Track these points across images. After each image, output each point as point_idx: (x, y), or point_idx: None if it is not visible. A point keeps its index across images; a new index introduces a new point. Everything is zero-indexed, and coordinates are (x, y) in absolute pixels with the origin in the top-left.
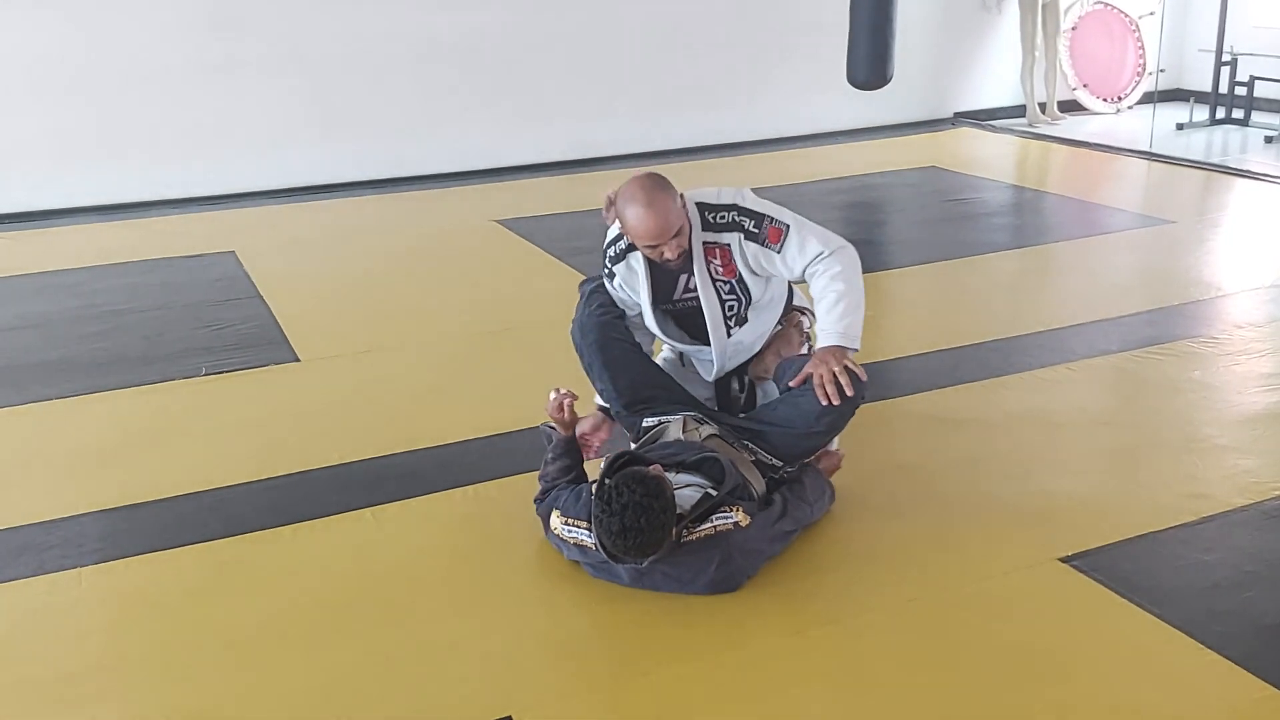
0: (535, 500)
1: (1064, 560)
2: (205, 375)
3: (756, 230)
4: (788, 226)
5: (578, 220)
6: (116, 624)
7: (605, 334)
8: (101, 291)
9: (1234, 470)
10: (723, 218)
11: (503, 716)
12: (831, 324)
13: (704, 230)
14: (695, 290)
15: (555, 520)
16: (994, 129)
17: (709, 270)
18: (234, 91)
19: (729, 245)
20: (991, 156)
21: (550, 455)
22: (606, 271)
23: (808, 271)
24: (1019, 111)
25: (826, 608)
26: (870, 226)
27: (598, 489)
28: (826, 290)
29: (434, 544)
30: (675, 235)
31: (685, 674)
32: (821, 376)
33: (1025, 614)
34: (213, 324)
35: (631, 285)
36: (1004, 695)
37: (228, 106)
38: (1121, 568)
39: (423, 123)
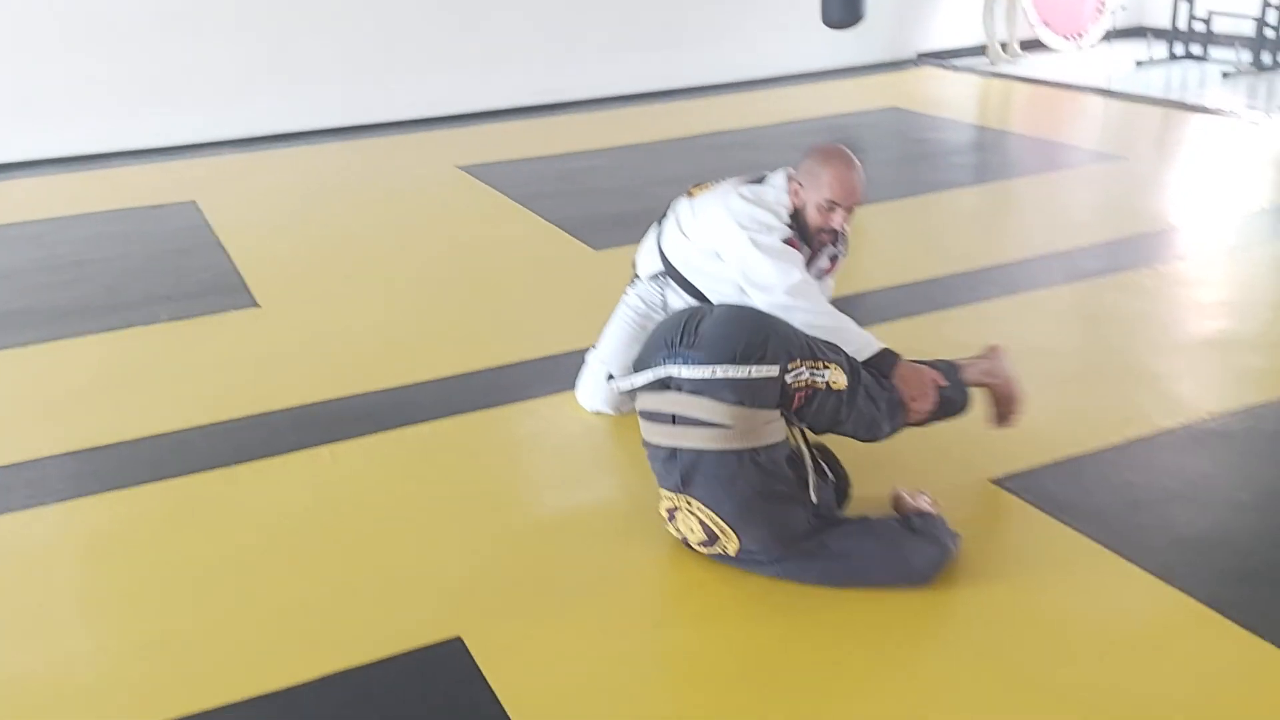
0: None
1: (995, 481)
2: (166, 322)
3: (842, 253)
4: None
5: (541, 165)
6: (82, 558)
7: None
8: (63, 242)
9: (1165, 395)
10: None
11: (452, 636)
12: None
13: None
14: (819, 278)
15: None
16: (956, 68)
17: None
18: (195, 41)
19: (836, 257)
20: (953, 96)
21: None
22: (793, 233)
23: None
24: (981, 51)
25: None
26: None
27: None
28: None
29: (389, 479)
30: (853, 210)
31: (626, 597)
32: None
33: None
34: (174, 272)
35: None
36: (931, 607)
37: (189, 56)
38: (1049, 488)
39: (385, 70)
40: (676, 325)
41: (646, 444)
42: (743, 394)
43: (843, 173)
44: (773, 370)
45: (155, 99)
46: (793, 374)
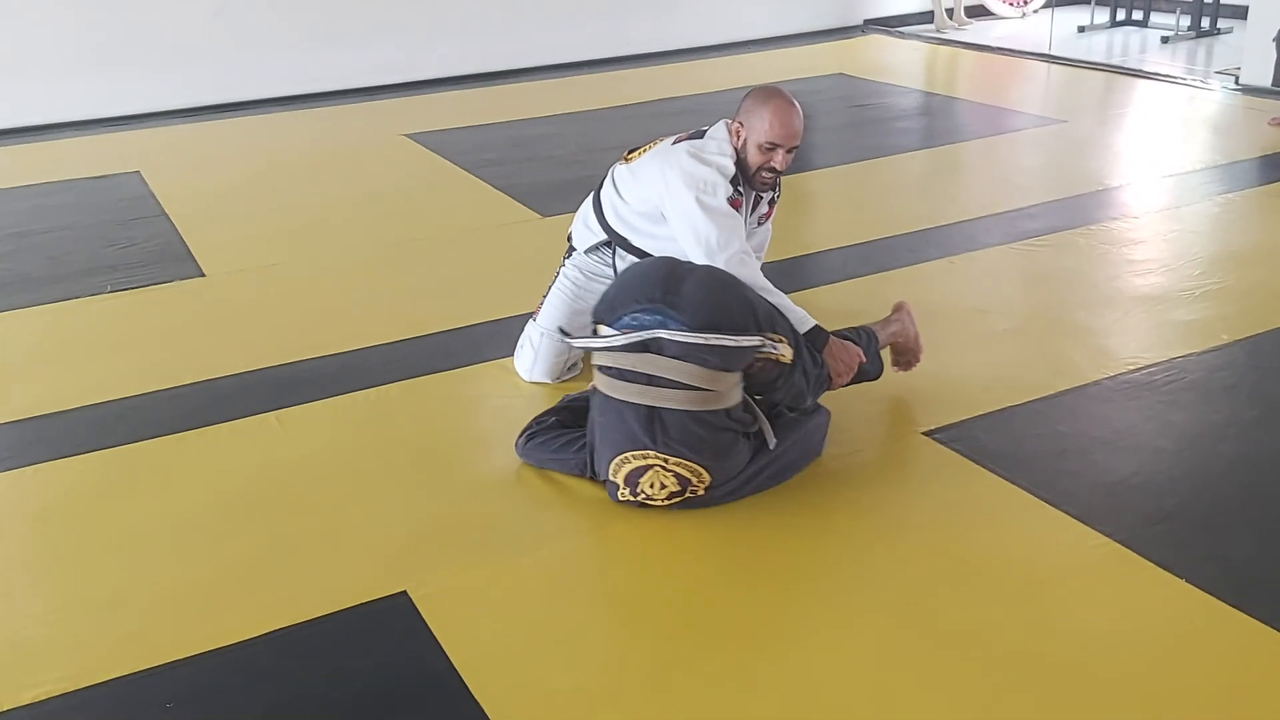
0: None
1: (927, 434)
2: (111, 292)
3: (776, 199)
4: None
5: (487, 133)
6: (29, 525)
7: None
8: (4, 214)
9: (1094, 349)
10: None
11: (399, 591)
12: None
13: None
14: (759, 224)
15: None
16: (902, 35)
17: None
18: (139, 9)
19: (775, 201)
20: (899, 62)
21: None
22: (736, 192)
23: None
24: (927, 18)
25: None
26: None
27: None
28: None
29: (336, 442)
30: (792, 151)
31: (569, 549)
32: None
33: (889, 482)
34: (117, 243)
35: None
36: (864, 554)
37: (131, 24)
38: (979, 438)
39: (332, 38)
40: (653, 278)
41: (608, 404)
42: (726, 360)
43: (783, 113)
44: (755, 341)
45: (98, 68)
46: (765, 346)
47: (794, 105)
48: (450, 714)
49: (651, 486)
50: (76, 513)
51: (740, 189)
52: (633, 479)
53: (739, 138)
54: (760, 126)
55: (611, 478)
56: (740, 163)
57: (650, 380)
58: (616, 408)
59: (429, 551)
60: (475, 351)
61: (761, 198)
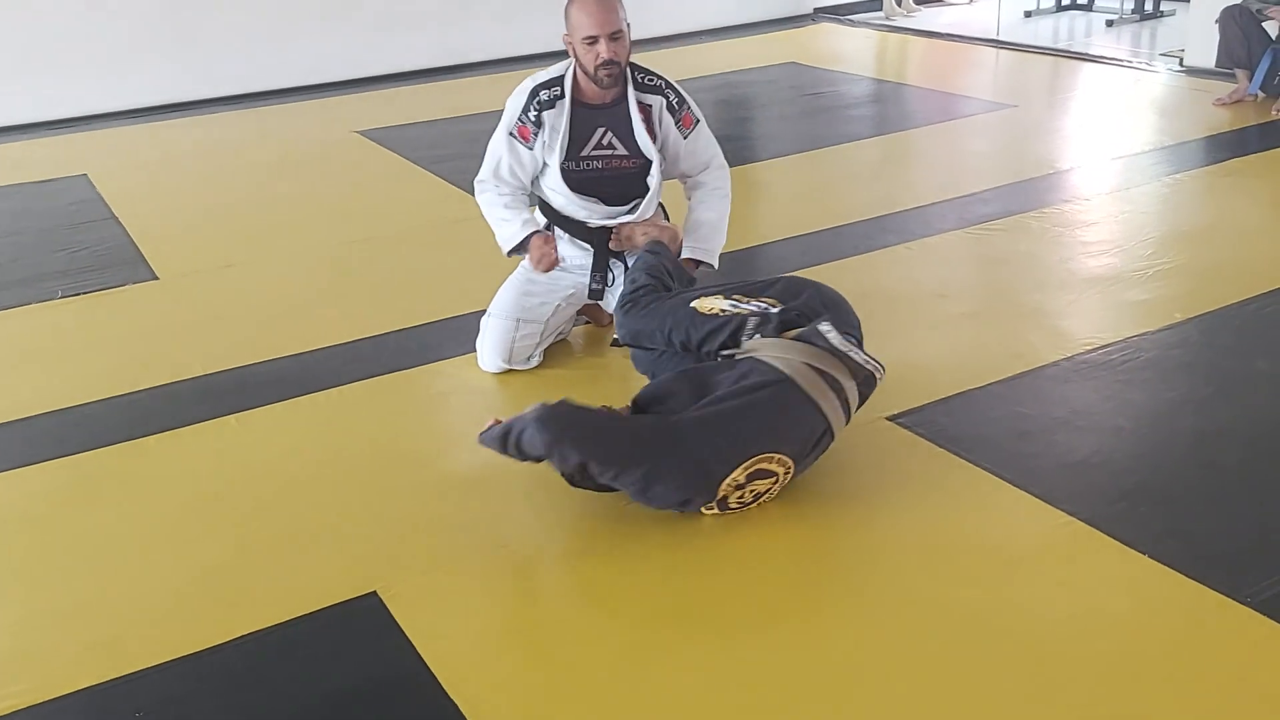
0: (627, 315)
1: (890, 419)
2: (62, 298)
3: (677, 106)
4: (699, 120)
5: (440, 128)
6: None
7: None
8: None
9: (1051, 331)
10: (652, 81)
11: (368, 591)
12: (703, 242)
13: (634, 89)
14: (607, 146)
15: (715, 301)
16: (853, 23)
17: (639, 124)
18: (82, 8)
19: (651, 106)
20: (850, 50)
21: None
22: (533, 117)
23: (699, 172)
24: (877, 6)
25: None
26: (733, 123)
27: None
28: (709, 205)
29: (298, 444)
30: (616, 38)
31: (538, 545)
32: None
33: (855, 467)
34: (67, 247)
35: (548, 140)
36: (832, 539)
37: (75, 25)
38: (941, 422)
39: (277, 35)
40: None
41: (794, 397)
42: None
43: (587, 4)
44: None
45: (42, 69)
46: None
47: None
48: (426, 713)
49: (755, 491)
50: (37, 521)
51: (536, 118)
52: (751, 478)
53: (570, 49)
54: (575, 27)
55: (734, 474)
56: (578, 77)
57: (838, 394)
58: (802, 407)
59: (398, 550)
60: (436, 349)
61: (649, 110)
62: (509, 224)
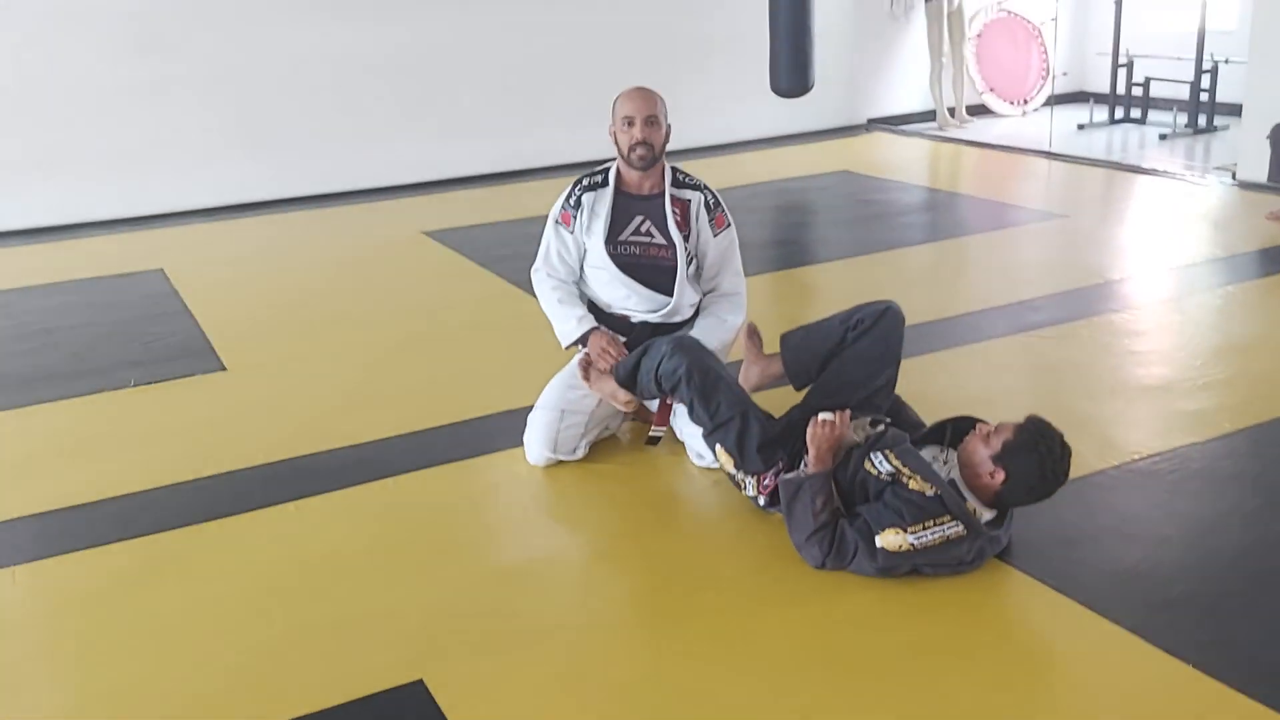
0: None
1: None
2: (134, 386)
3: (713, 206)
4: (730, 225)
5: (503, 229)
6: (50, 615)
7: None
8: (30, 311)
9: (1100, 439)
10: (690, 180)
11: (415, 679)
12: (711, 337)
13: (672, 186)
14: (645, 233)
15: (905, 538)
16: (905, 133)
17: (671, 217)
18: (161, 112)
19: (690, 202)
20: (903, 159)
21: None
22: (573, 201)
23: (722, 282)
24: (930, 116)
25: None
26: (786, 228)
27: (1018, 438)
28: (724, 316)
29: (353, 531)
30: (651, 123)
31: (586, 638)
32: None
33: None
34: (141, 339)
35: (588, 223)
36: (872, 640)
37: (155, 127)
38: None
39: (349, 139)
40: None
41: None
42: None
43: (624, 94)
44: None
45: (123, 169)
46: None
47: (636, 88)
48: None
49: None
50: (97, 604)
51: (575, 200)
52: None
53: (612, 137)
54: (616, 112)
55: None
56: (621, 168)
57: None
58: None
59: (446, 640)
60: (488, 441)
61: (688, 205)
62: (565, 320)
